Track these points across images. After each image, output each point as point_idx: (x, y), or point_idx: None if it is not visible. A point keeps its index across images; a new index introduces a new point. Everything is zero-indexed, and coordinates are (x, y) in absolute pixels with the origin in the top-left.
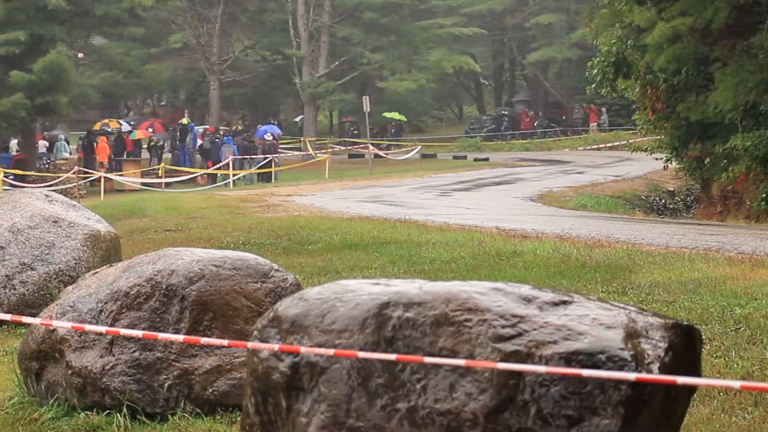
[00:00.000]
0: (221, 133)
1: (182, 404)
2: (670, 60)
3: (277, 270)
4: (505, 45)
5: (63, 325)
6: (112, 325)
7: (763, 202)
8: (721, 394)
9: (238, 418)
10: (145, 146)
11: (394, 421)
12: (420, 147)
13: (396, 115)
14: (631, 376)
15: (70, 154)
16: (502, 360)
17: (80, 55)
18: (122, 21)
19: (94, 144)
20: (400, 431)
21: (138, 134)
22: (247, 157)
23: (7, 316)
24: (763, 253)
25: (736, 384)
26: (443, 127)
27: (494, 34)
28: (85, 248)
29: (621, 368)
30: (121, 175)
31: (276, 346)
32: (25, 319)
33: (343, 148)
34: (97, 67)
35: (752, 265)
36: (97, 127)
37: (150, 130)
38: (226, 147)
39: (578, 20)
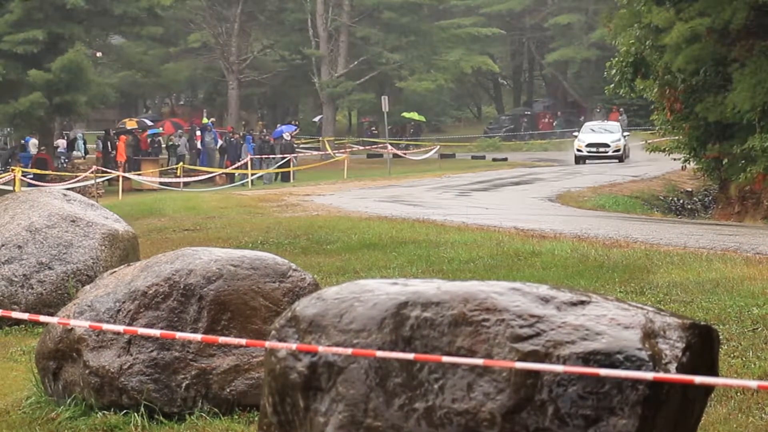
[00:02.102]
0: (240, 133)
1: (200, 404)
2: (689, 60)
3: (295, 270)
4: (524, 45)
5: (80, 325)
6: (129, 325)
7: None
8: (739, 394)
9: (256, 418)
10: (164, 145)
11: (412, 420)
12: (438, 147)
13: (415, 115)
14: (649, 375)
15: (86, 153)
16: (520, 360)
17: (99, 54)
18: (141, 20)
19: (115, 142)
20: (417, 431)
21: (163, 131)
22: (265, 156)
23: (25, 316)
24: None
25: (754, 384)
26: (462, 127)
27: (513, 34)
28: (103, 247)
29: (638, 368)
30: (139, 175)
31: (294, 346)
32: (43, 318)
33: (361, 147)
34: (116, 67)
35: None
36: (133, 124)
37: (179, 131)
38: (245, 147)
39: (597, 20)
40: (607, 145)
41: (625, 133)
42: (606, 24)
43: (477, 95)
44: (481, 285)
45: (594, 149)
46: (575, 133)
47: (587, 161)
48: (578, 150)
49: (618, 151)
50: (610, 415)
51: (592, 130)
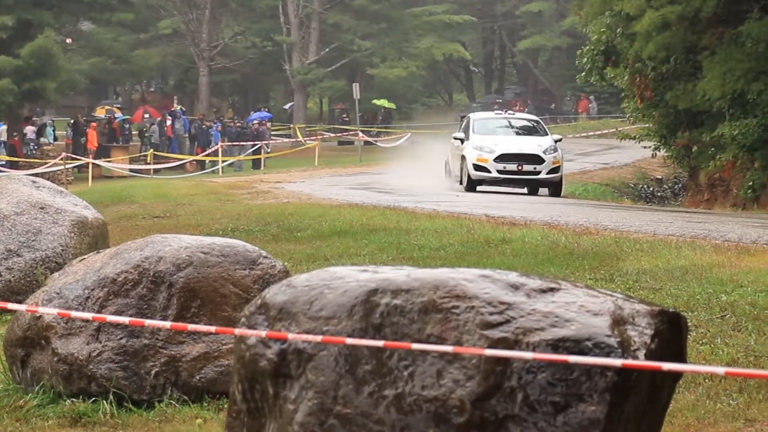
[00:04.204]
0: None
1: (169, 391)
2: (659, 48)
3: (265, 257)
4: (496, 32)
5: (49, 312)
6: (98, 312)
7: (749, 190)
8: (707, 380)
9: (225, 405)
10: (135, 132)
11: (382, 407)
12: (410, 134)
13: (385, 103)
14: (617, 362)
15: (55, 140)
16: (490, 347)
17: (68, 40)
18: (111, 6)
19: (85, 129)
20: (387, 418)
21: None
22: (237, 144)
23: None
24: (749, 241)
25: (721, 370)
26: (433, 115)
27: (484, 21)
28: (73, 235)
29: (607, 355)
30: (109, 162)
31: (263, 333)
32: (11, 306)
33: (332, 135)
34: (86, 53)
35: (738, 252)
36: (101, 112)
37: (147, 115)
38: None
39: (568, 8)
40: (538, 159)
41: (556, 137)
42: (577, 12)
43: (448, 82)
44: (451, 272)
45: (513, 166)
46: (457, 136)
47: (489, 186)
48: (478, 167)
49: (555, 171)
50: (579, 401)
51: (501, 129)
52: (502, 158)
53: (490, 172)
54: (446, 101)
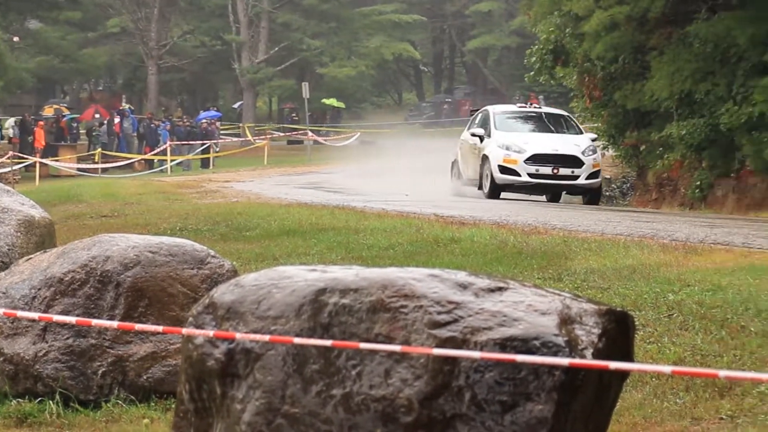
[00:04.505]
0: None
1: (116, 391)
2: (608, 48)
3: (213, 256)
4: (445, 32)
5: None
6: (45, 312)
7: (697, 190)
8: (654, 379)
9: (173, 405)
10: (83, 131)
11: (329, 407)
12: (359, 134)
13: (334, 102)
14: (565, 361)
15: (1, 138)
16: (438, 346)
17: (15, 38)
18: (59, 5)
19: (32, 128)
20: (335, 417)
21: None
22: (185, 143)
23: None
24: (696, 240)
25: (668, 369)
26: (382, 114)
27: (434, 21)
28: (19, 234)
29: (555, 354)
30: (56, 161)
31: (211, 333)
32: None
33: (282, 134)
34: (33, 51)
35: (686, 251)
36: (49, 111)
37: (97, 115)
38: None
39: (517, 8)
40: (576, 162)
41: (592, 136)
42: (526, 11)
43: (398, 82)
44: (399, 271)
45: (548, 169)
46: (475, 132)
47: (529, 194)
48: (504, 169)
49: (595, 176)
50: (526, 400)
51: (528, 125)
52: (535, 159)
53: (519, 175)
54: (396, 100)
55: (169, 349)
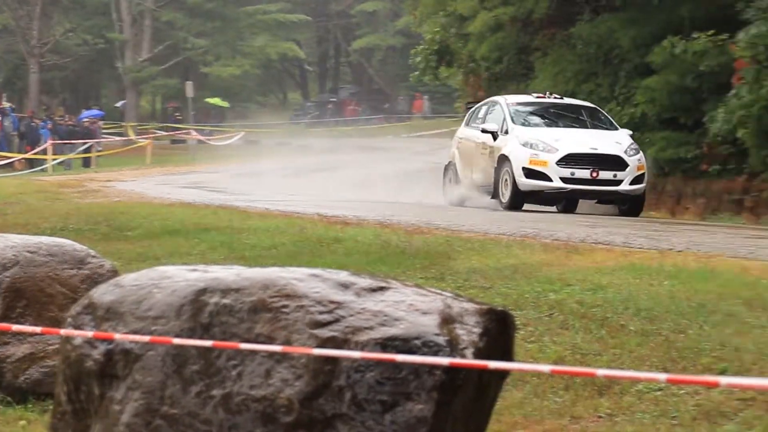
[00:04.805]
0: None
1: None
2: (492, 49)
3: (93, 256)
4: (330, 32)
5: None
6: None
7: None
8: (534, 378)
9: (51, 407)
10: None
11: (209, 407)
12: (243, 133)
13: (218, 101)
14: (445, 361)
15: None
16: (319, 346)
17: None
18: None
19: None
20: (214, 418)
21: None
22: (67, 142)
23: None
24: (577, 240)
25: (547, 368)
26: (267, 114)
27: (319, 20)
28: None
29: (436, 354)
30: None
31: (90, 333)
32: None
33: (165, 133)
34: None
35: (567, 251)
36: None
37: None
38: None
39: (402, 8)
40: (619, 163)
41: (628, 132)
42: (411, 11)
43: (283, 81)
44: (281, 271)
45: (586, 172)
46: (486, 128)
47: (555, 203)
48: (531, 173)
49: (639, 180)
50: (407, 400)
51: (551, 119)
52: (569, 160)
53: (550, 180)
54: (280, 100)
55: (48, 350)
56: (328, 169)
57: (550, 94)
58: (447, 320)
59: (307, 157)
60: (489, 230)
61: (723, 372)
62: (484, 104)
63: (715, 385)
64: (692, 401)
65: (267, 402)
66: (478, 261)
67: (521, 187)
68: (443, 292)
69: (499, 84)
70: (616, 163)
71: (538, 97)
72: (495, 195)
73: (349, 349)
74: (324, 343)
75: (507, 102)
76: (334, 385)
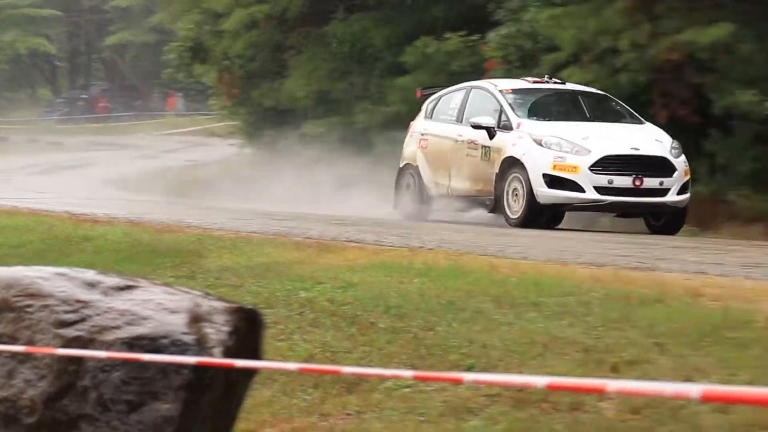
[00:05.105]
0: None
1: None
2: (247, 46)
3: None
4: (82, 27)
5: None
6: None
7: None
8: (283, 376)
9: None
10: None
11: None
12: None
13: None
14: (191, 360)
15: None
16: (64, 346)
17: None
18: None
19: None
20: None
21: None
22: None
23: None
24: (329, 238)
25: (294, 366)
26: (16, 109)
27: (71, 15)
28: None
29: (183, 353)
30: None
31: None
32: None
33: None
34: None
35: (318, 249)
36: None
37: None
38: None
39: (156, 4)
40: (666, 167)
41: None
42: (165, 8)
43: (32, 77)
44: (26, 270)
45: (628, 180)
46: (480, 122)
47: (603, 213)
48: (556, 181)
49: (685, 189)
50: (153, 399)
51: (564, 110)
52: (607, 164)
53: (581, 190)
54: (29, 96)
55: None
56: (79, 166)
57: (550, 77)
58: (195, 319)
59: (57, 154)
60: (240, 228)
61: (470, 368)
62: (455, 91)
63: (460, 381)
64: (440, 398)
65: (9, 403)
66: (229, 259)
67: (541, 200)
68: (192, 291)
69: (253, 82)
70: (662, 167)
71: (534, 82)
72: (496, 209)
73: (95, 348)
74: (69, 342)
75: (499, 88)
76: (79, 386)
